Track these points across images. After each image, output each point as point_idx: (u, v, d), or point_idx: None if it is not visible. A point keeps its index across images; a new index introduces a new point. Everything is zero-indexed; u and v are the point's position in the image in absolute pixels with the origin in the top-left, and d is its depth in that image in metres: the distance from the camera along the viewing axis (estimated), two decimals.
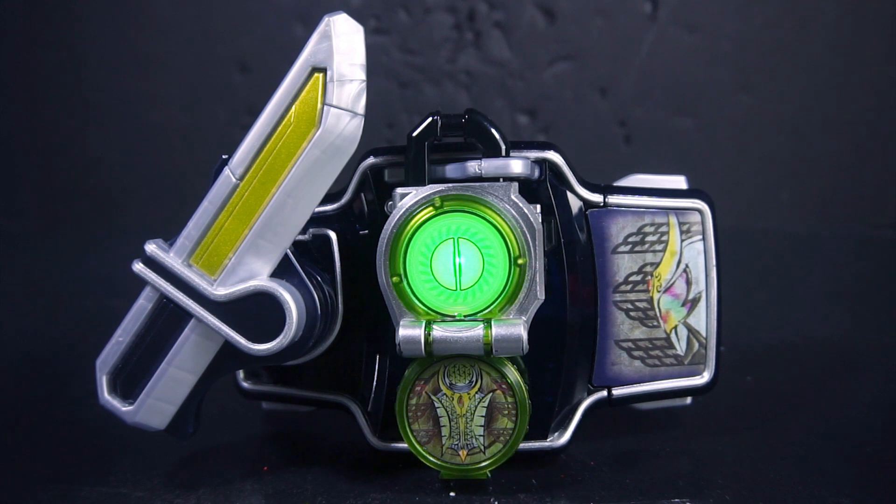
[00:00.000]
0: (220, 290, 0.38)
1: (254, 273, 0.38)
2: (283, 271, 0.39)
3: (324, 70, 0.36)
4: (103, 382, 0.39)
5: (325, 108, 0.36)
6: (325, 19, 0.37)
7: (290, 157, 0.37)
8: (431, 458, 0.40)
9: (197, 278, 0.38)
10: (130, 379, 0.39)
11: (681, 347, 0.43)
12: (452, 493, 0.40)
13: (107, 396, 0.40)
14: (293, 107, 0.37)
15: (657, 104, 0.83)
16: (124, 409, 0.39)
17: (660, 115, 0.83)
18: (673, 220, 0.43)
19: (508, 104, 0.84)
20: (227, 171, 0.38)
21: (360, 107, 0.37)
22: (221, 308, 0.38)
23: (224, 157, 0.38)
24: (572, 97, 0.84)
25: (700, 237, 0.43)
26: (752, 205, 0.51)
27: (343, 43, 0.36)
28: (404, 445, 0.40)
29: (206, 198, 0.38)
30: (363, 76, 0.37)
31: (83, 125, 0.87)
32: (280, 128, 0.37)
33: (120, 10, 0.85)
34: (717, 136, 0.84)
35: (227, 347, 0.39)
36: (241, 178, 0.38)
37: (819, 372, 0.57)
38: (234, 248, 0.38)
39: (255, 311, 0.38)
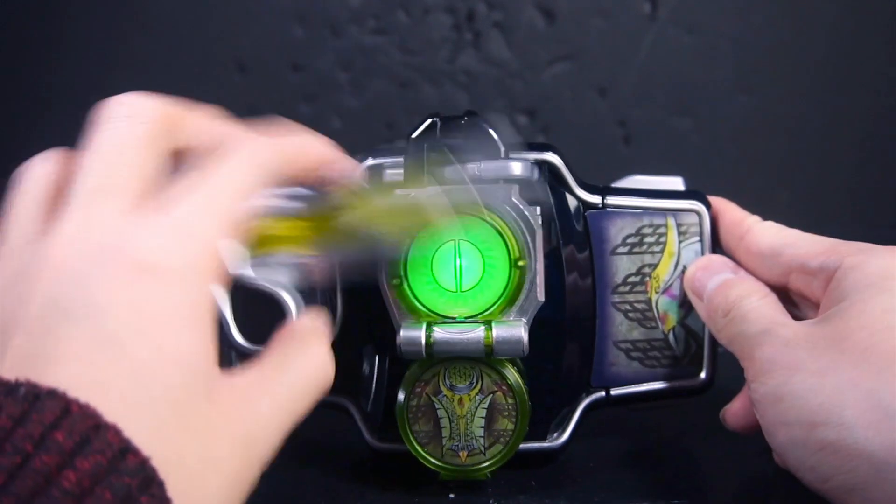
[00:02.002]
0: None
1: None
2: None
3: None
4: None
5: None
6: None
7: None
8: (431, 460, 0.40)
9: None
10: None
11: (678, 348, 0.44)
12: (452, 495, 0.40)
13: None
14: None
15: (657, 104, 0.83)
16: None
17: (659, 116, 0.83)
18: (671, 221, 0.43)
19: (507, 105, 0.83)
20: None
21: None
22: None
23: None
24: (571, 97, 0.84)
25: (698, 238, 0.43)
26: (752, 205, 0.51)
27: None
28: (404, 446, 0.40)
29: None
30: None
31: (83, 125, 0.87)
32: None
33: (118, 11, 0.85)
34: (717, 136, 0.84)
35: None
36: None
37: None
38: None
39: (255, 311, 0.38)
